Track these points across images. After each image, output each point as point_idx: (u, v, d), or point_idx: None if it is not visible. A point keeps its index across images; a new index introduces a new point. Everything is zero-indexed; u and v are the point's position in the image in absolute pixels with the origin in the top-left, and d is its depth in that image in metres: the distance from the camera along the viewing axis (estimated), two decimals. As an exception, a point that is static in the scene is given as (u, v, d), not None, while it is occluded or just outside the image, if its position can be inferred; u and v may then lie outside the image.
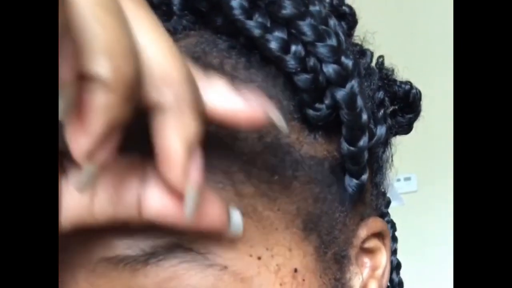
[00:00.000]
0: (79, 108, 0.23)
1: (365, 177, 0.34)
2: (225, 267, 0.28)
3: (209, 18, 0.32)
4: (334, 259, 0.32)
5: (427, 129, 0.39)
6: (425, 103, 0.38)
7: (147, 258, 0.27)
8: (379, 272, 0.34)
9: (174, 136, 0.24)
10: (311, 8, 0.32)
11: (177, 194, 0.25)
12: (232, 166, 0.29)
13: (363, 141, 0.33)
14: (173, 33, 0.32)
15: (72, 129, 0.23)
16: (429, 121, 0.38)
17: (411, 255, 0.41)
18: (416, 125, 0.39)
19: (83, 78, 0.22)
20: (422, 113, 0.39)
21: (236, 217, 0.27)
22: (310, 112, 0.32)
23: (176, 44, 0.26)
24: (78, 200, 0.25)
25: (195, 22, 0.32)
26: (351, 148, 0.32)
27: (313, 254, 0.31)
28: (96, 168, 0.24)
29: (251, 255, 0.29)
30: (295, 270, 0.30)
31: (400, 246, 0.38)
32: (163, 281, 0.27)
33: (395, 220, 0.39)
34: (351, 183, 0.33)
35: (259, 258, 0.29)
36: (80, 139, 0.23)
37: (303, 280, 0.30)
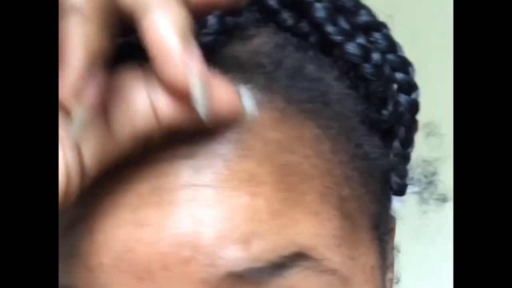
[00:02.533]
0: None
1: (407, 178, 0.36)
2: (335, 271, 0.29)
3: (278, 16, 0.32)
4: (384, 256, 0.34)
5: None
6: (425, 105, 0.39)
7: (273, 269, 0.27)
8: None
9: (164, 29, 0.24)
10: (378, 19, 0.34)
11: (186, 92, 0.25)
12: (335, 169, 0.30)
13: (412, 146, 0.35)
14: (243, 28, 0.31)
15: (60, 73, 0.23)
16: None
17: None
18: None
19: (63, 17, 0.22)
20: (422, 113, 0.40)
21: (247, 97, 0.28)
22: (377, 116, 0.33)
23: (251, 42, 0.28)
24: (92, 133, 0.25)
25: (260, 19, 0.32)
26: (404, 150, 0.35)
27: (378, 251, 0.32)
28: (86, 109, 0.24)
29: (349, 257, 0.30)
30: (373, 267, 0.31)
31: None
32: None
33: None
34: (397, 182, 0.35)
35: (353, 259, 0.30)
36: (65, 79, 0.23)
37: (377, 276, 0.32)
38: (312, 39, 0.32)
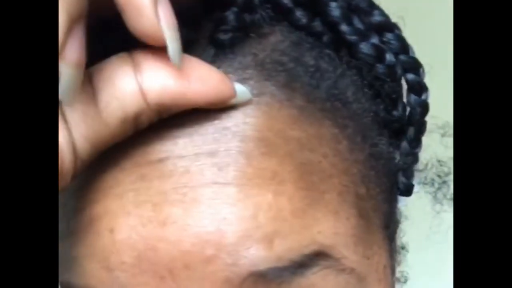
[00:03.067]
0: None
1: (413, 178, 0.36)
2: (353, 270, 0.29)
3: (292, 14, 0.32)
4: (394, 254, 0.34)
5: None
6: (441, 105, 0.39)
7: (295, 268, 0.27)
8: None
9: None
10: (390, 20, 0.34)
11: (171, 68, 0.26)
12: (352, 168, 0.30)
13: (420, 147, 0.35)
14: (259, 26, 0.32)
15: None
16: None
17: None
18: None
19: None
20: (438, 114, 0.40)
21: (238, 85, 0.28)
22: (387, 116, 0.34)
23: (267, 39, 0.28)
24: (83, 115, 0.26)
25: (273, 18, 0.32)
26: (412, 150, 0.35)
27: (388, 250, 0.33)
28: (71, 67, 0.24)
29: (364, 256, 0.30)
30: (385, 267, 0.31)
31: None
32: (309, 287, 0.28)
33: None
34: (404, 182, 0.35)
35: (368, 258, 0.30)
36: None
37: (388, 276, 0.32)
38: (326, 38, 0.33)
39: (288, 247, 0.27)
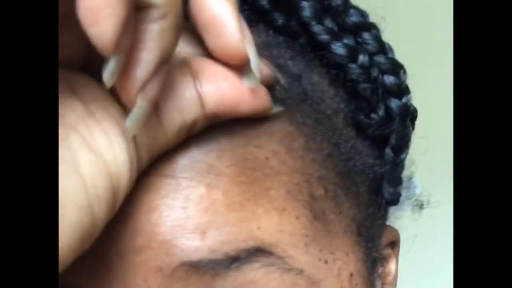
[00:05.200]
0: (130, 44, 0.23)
1: (400, 186, 0.35)
2: (301, 271, 0.28)
3: (269, 16, 0.32)
4: (372, 265, 0.33)
5: (427, 131, 0.38)
6: (425, 105, 0.39)
7: (230, 262, 0.27)
8: (390, 279, 0.35)
9: (219, 4, 0.25)
10: (369, 20, 0.33)
11: (231, 78, 0.26)
12: (307, 167, 0.30)
13: (406, 153, 0.35)
14: None
15: (123, 66, 0.23)
16: (429, 123, 0.38)
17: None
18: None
19: (137, 8, 0.23)
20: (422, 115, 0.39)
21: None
22: (365, 120, 0.33)
23: None
24: (146, 127, 0.26)
25: (251, 19, 0.32)
26: (396, 158, 0.34)
27: (362, 259, 0.32)
28: (148, 104, 0.24)
29: (320, 259, 0.29)
30: (351, 275, 0.30)
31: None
32: (241, 286, 0.27)
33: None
34: (389, 191, 0.34)
35: (326, 262, 0.29)
36: (134, 71, 0.23)
37: (356, 284, 0.31)
38: (302, 39, 0.32)
39: (222, 239, 0.27)
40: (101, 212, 0.25)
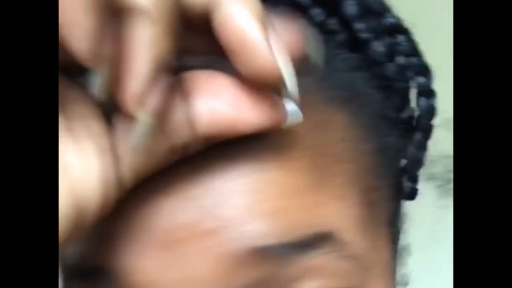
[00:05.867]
0: (117, 52, 0.22)
1: (418, 183, 0.36)
2: (358, 257, 0.29)
3: (309, 11, 0.33)
4: (396, 254, 0.34)
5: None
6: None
7: (295, 248, 0.27)
8: None
9: (244, 19, 0.23)
10: (403, 22, 0.34)
11: (228, 95, 0.25)
12: (362, 157, 0.31)
13: (426, 151, 0.36)
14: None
15: (115, 78, 0.22)
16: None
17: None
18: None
19: (120, 14, 0.22)
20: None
21: (291, 105, 0.26)
22: (395, 116, 0.34)
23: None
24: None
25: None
26: (418, 155, 0.35)
27: (391, 249, 0.33)
28: (150, 116, 0.23)
29: (370, 247, 0.30)
30: (386, 264, 0.31)
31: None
32: (304, 272, 0.27)
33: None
34: (408, 186, 0.35)
35: (373, 249, 0.30)
36: (128, 84, 0.22)
37: (389, 272, 0.32)
38: (340, 36, 0.33)
39: (289, 225, 0.27)
40: (62, 229, 0.24)
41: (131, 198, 0.27)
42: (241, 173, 0.27)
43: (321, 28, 0.32)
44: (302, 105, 0.28)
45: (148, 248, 0.27)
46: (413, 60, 0.34)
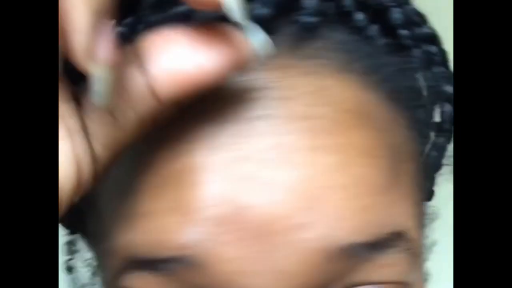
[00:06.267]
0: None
1: (435, 186, 0.37)
2: (420, 254, 0.30)
3: (351, 15, 0.32)
4: None
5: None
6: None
7: (376, 246, 0.28)
8: None
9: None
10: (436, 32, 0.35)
11: (183, 51, 0.24)
12: (417, 157, 0.32)
13: (445, 157, 0.36)
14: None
15: (66, 38, 0.22)
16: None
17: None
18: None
19: None
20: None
21: (257, 36, 0.25)
22: (426, 121, 0.35)
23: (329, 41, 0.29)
24: (101, 125, 0.25)
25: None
26: (439, 160, 0.36)
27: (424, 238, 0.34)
28: (104, 69, 0.23)
29: (423, 240, 0.32)
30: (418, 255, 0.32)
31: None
32: (381, 269, 0.28)
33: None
34: (427, 188, 0.36)
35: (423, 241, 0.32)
36: (73, 40, 0.22)
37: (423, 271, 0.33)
38: (380, 41, 0.33)
39: (375, 223, 0.28)
40: None
41: (226, 188, 0.27)
42: (331, 168, 0.27)
43: (361, 33, 0.32)
44: (379, 104, 0.30)
45: (241, 238, 0.27)
46: (442, 69, 0.35)
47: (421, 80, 0.34)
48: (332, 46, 0.30)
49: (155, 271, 0.28)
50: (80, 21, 0.22)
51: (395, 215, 0.28)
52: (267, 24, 0.27)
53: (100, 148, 0.26)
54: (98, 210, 0.31)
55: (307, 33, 0.30)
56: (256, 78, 0.28)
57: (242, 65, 0.26)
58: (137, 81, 0.25)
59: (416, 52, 0.33)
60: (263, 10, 0.29)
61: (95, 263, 0.35)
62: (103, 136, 0.26)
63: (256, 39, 0.25)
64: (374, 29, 0.32)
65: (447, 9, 0.33)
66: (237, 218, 0.27)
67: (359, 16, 0.32)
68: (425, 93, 0.34)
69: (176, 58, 0.25)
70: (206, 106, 0.27)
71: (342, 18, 0.31)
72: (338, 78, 0.29)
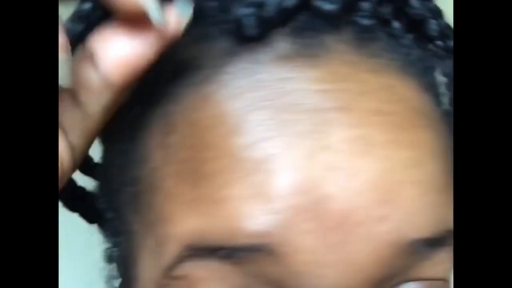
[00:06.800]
0: None
1: None
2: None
3: (389, 24, 0.32)
4: None
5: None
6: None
7: (436, 243, 0.28)
8: None
9: None
10: None
11: (117, 42, 0.27)
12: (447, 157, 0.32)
13: None
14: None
15: None
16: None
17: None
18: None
19: None
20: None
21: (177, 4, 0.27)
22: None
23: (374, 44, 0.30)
24: (72, 119, 0.27)
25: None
26: None
27: None
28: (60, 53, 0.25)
29: None
30: None
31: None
32: (436, 266, 0.28)
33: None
34: None
35: None
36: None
37: None
38: (414, 52, 0.33)
39: (439, 220, 0.28)
40: None
41: (307, 177, 0.27)
42: (408, 163, 0.28)
43: (396, 41, 0.32)
44: (428, 102, 0.31)
45: (319, 228, 0.27)
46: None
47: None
48: (389, 48, 0.31)
49: (223, 259, 0.27)
50: None
51: (449, 213, 0.29)
52: (332, 20, 0.29)
53: (77, 140, 0.27)
54: (148, 197, 0.30)
55: (367, 33, 0.30)
56: (327, 71, 0.29)
57: (170, 38, 0.27)
58: (92, 76, 0.27)
59: (449, 63, 0.33)
60: (329, 6, 0.29)
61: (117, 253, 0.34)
62: (78, 129, 0.27)
63: (179, 7, 0.27)
64: (409, 38, 0.32)
65: (447, 9, 0.33)
66: (316, 208, 0.27)
67: (396, 25, 0.32)
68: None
69: (117, 50, 0.27)
70: (283, 95, 0.28)
71: (381, 24, 0.32)
72: (400, 78, 0.30)
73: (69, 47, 0.26)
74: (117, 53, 0.27)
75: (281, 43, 0.29)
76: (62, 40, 0.25)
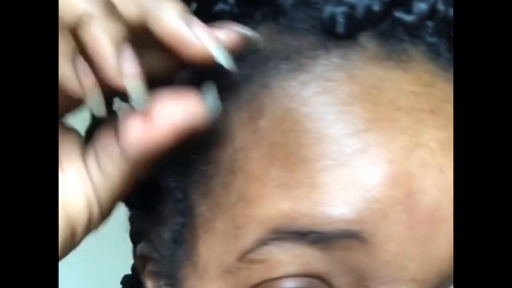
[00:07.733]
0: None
1: None
2: None
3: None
4: None
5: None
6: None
7: None
8: None
9: (102, 37, 0.26)
10: None
11: (146, 122, 0.27)
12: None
13: None
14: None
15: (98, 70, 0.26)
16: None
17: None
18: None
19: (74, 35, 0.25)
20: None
21: (209, 95, 0.28)
22: None
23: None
24: (104, 180, 0.29)
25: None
26: None
27: None
28: (135, 79, 0.26)
29: None
30: None
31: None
32: None
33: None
34: None
35: None
36: (105, 67, 0.26)
37: None
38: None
39: None
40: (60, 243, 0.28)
41: (402, 170, 0.28)
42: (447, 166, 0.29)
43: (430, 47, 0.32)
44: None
45: (409, 220, 0.27)
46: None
47: None
48: (451, 63, 0.31)
49: (313, 243, 0.27)
50: (106, 50, 0.25)
51: None
52: (410, 30, 0.30)
53: (102, 192, 0.29)
54: (225, 178, 0.30)
55: (435, 47, 0.31)
56: (416, 75, 0.30)
57: (197, 122, 0.28)
58: (114, 147, 0.29)
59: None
60: (409, 17, 0.31)
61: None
62: (102, 186, 0.29)
63: (209, 101, 0.28)
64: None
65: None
66: (408, 201, 0.27)
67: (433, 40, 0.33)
68: None
69: (137, 131, 0.27)
70: (379, 92, 0.29)
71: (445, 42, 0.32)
72: (444, 78, 0.31)
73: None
74: (135, 137, 0.27)
75: (369, 44, 0.30)
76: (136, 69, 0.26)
